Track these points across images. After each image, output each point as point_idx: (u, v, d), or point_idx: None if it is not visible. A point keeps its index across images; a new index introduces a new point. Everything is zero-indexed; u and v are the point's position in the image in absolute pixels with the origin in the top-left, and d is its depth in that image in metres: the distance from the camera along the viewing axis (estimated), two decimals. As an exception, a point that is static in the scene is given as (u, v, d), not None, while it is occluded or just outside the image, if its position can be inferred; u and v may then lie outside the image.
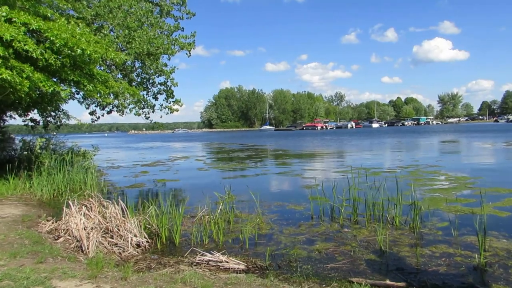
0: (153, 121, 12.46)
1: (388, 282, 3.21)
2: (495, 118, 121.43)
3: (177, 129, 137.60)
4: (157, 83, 12.07)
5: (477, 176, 9.09)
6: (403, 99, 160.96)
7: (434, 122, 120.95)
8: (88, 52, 6.28)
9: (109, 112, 11.86)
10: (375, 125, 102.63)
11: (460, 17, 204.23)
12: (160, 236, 4.55)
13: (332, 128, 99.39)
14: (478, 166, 11.64)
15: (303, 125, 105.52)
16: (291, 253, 4.06)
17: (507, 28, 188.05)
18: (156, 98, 12.22)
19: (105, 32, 9.06)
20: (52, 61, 6.18)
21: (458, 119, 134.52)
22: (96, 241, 4.24)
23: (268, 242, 4.49)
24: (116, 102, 10.39)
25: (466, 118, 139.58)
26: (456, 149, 20.07)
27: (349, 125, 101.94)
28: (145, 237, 4.53)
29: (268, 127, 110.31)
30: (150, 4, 10.87)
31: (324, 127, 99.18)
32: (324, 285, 3.21)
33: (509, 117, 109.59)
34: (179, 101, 12.18)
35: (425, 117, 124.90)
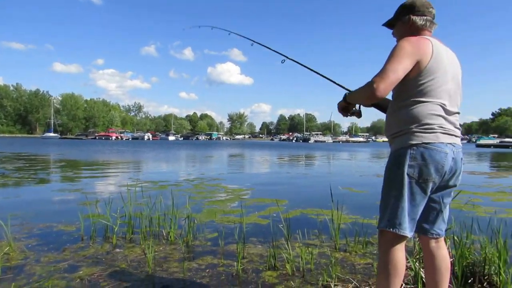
0: None
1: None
2: (271, 137, 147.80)
3: None
4: None
5: (250, 188, 10.31)
6: (198, 115, 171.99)
7: (224, 138, 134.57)
8: None
9: None
10: (171, 138, 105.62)
11: (246, 47, 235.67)
12: None
13: (128, 138, 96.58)
14: (253, 178, 13.29)
15: (96, 134, 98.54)
16: (44, 286, 3.46)
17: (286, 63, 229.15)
18: None
19: None
20: None
21: (244, 136, 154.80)
22: None
23: (17, 275, 3.71)
24: None
25: (250, 135, 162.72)
26: (239, 163, 22.50)
27: (146, 137, 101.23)
28: None
29: (52, 134, 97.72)
30: None
31: (120, 137, 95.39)
32: (77, 320, 2.82)
33: (281, 136, 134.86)
34: None
35: (216, 132, 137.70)
